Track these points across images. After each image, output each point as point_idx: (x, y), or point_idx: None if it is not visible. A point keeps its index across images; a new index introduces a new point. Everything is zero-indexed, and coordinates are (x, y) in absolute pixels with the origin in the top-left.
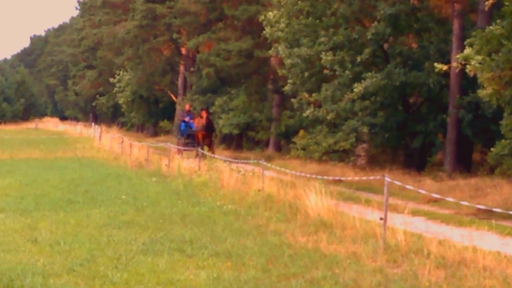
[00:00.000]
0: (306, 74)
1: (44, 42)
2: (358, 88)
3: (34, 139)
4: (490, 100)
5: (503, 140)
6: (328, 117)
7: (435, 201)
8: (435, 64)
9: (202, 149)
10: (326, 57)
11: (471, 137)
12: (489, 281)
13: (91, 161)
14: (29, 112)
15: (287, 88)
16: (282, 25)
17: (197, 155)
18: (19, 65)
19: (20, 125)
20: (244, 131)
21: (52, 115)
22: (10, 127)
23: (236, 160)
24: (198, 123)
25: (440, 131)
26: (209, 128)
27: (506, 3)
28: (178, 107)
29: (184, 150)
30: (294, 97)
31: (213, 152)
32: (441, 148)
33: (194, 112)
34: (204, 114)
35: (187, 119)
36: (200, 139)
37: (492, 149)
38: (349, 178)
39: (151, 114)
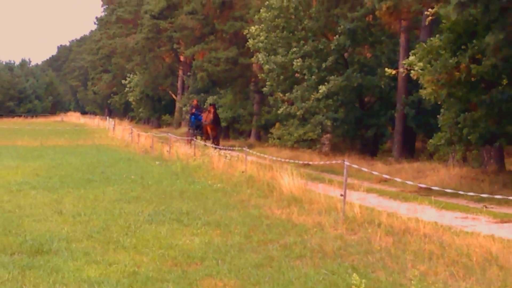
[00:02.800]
0: (281, 77)
1: (68, 51)
2: (323, 89)
3: (60, 130)
4: (429, 98)
5: (439, 133)
6: (298, 113)
7: (385, 181)
8: (386, 69)
9: (214, 141)
10: (297, 64)
11: (414, 129)
12: (428, 245)
13: (106, 148)
14: (56, 107)
15: (265, 89)
16: (262, 37)
17: (205, 142)
18: (48, 69)
19: (48, 119)
20: (230, 124)
21: (75, 110)
22: (40, 120)
23: (224, 148)
24: (206, 117)
25: (390, 124)
26: (216, 121)
27: (444, 21)
28: (177, 104)
29: (191, 140)
30: (271, 96)
31: (218, 143)
32: (390, 138)
33: (201, 106)
34: (211, 109)
35: (195, 113)
36: (209, 131)
37: (431, 140)
38: (316, 162)
39: (155, 109)
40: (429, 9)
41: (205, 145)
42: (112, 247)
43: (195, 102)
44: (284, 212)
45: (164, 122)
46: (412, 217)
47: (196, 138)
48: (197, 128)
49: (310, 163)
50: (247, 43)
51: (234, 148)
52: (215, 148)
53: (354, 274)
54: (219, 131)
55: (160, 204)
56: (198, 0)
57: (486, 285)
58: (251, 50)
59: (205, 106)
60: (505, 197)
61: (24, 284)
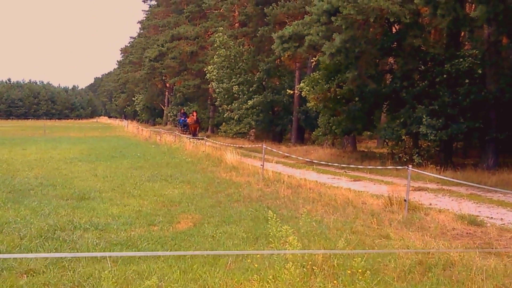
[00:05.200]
0: (226, 96)
1: (101, 80)
2: (250, 103)
3: (95, 127)
4: (313, 108)
5: (318, 129)
6: (236, 117)
7: (287, 156)
8: (288, 91)
9: (194, 135)
10: (235, 88)
11: (304, 126)
12: (312, 194)
13: (123, 137)
14: (93, 114)
15: (217, 103)
16: (214, 72)
17: (188, 136)
18: (88, 91)
19: (88, 120)
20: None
21: (105, 115)
22: (83, 121)
23: (192, 137)
24: (191, 120)
25: (290, 124)
26: (197, 122)
27: (321, 63)
28: (165, 112)
29: (180, 134)
30: (220, 107)
31: (197, 135)
32: (289, 132)
33: (186, 112)
34: (195, 113)
35: (183, 118)
36: (192, 129)
37: (313, 133)
38: (246, 146)
39: (152, 115)
40: (313, 56)
41: (188, 137)
42: (126, 195)
43: (182, 110)
44: (227, 175)
45: (157, 123)
46: (302, 177)
47: (194, 135)
48: (184, 126)
49: (243, 146)
50: (206, 75)
51: (198, 137)
52: (188, 138)
53: (269, 211)
54: (198, 127)
55: (155, 170)
56: (177, 50)
57: (346, 217)
58: (208, 80)
59: (184, 112)
60: (356, 166)
61: (74, 217)
